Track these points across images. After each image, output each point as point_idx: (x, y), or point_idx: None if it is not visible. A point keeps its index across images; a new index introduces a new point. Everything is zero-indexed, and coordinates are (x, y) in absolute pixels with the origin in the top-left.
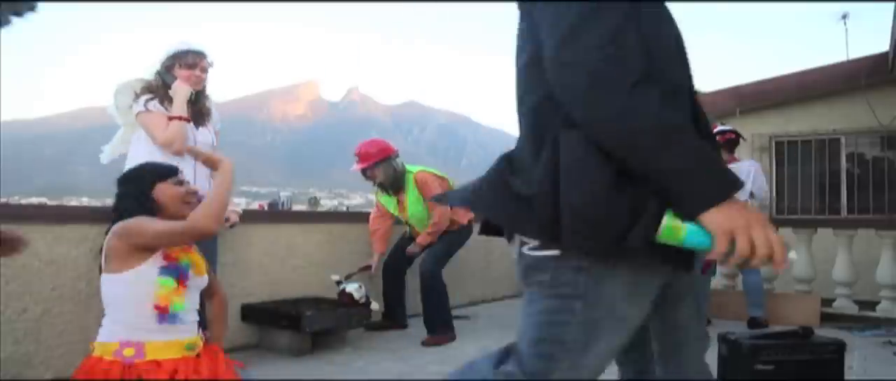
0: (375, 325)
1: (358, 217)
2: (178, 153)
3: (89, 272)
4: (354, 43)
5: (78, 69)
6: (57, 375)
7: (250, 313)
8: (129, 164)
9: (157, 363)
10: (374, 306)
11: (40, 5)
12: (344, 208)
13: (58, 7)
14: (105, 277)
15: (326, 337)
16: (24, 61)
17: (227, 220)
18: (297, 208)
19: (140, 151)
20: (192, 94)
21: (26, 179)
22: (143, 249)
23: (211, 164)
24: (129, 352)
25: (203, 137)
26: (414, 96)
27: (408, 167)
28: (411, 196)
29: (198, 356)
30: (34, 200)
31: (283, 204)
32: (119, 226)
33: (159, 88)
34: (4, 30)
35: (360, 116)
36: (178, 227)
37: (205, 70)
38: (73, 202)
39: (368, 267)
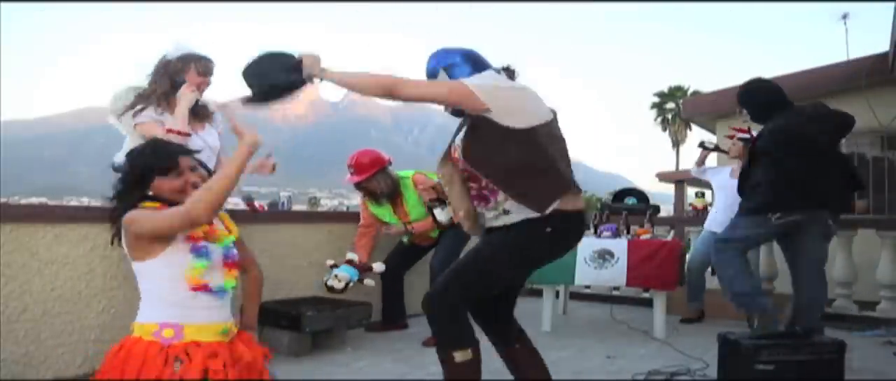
0: (375, 325)
1: (358, 217)
2: None
3: (89, 272)
4: (354, 43)
5: (78, 69)
6: (57, 375)
7: None
8: None
9: (197, 344)
10: (378, 266)
11: (40, 5)
12: (344, 208)
13: (58, 7)
14: (134, 263)
15: (326, 337)
16: (24, 61)
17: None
18: (297, 208)
19: None
20: (197, 102)
21: (26, 179)
22: (153, 240)
23: (237, 134)
24: (168, 333)
25: (211, 139)
26: None
27: (400, 173)
28: (411, 200)
29: (231, 342)
30: (34, 200)
31: (283, 204)
32: (124, 220)
33: (156, 92)
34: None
35: (360, 116)
36: (176, 217)
37: (210, 77)
38: (73, 202)
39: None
